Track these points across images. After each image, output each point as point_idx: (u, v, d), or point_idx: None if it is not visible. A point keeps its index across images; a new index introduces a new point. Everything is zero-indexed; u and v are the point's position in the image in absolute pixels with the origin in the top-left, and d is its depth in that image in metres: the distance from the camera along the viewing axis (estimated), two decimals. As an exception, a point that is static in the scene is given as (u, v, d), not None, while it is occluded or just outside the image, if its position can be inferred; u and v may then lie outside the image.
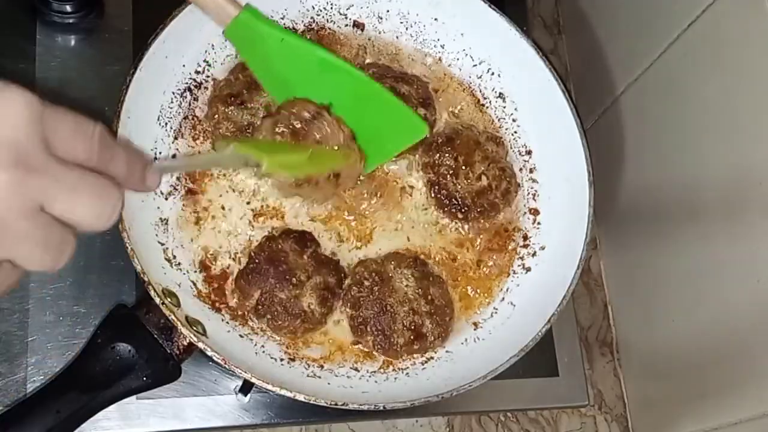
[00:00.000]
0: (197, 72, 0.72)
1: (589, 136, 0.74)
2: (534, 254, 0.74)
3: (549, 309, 0.68)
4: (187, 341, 0.62)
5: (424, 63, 0.79)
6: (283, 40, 0.65)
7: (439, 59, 0.79)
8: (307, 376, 0.66)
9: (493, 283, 0.74)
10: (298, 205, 0.71)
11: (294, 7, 0.76)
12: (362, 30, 0.78)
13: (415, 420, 0.79)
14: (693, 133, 0.70)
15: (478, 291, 0.73)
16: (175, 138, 0.70)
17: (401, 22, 0.78)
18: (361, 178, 0.72)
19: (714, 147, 0.67)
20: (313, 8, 0.77)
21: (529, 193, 0.77)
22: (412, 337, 0.68)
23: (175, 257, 0.66)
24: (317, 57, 0.67)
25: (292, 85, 0.67)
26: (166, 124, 0.70)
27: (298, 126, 0.64)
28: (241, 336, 0.66)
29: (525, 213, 0.76)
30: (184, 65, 0.71)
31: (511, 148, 0.78)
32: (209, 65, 0.73)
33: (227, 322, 0.66)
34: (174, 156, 0.68)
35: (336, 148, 0.66)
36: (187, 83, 0.71)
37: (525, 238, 0.75)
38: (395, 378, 0.68)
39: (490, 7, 0.75)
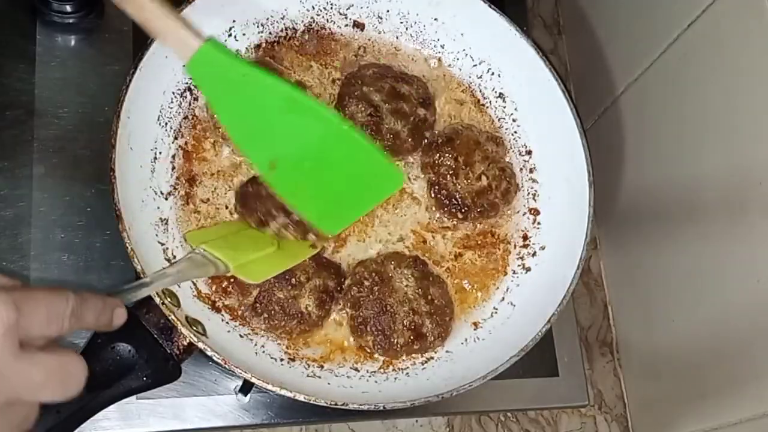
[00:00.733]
0: (197, 72, 0.72)
1: (589, 136, 0.74)
2: (534, 254, 0.74)
3: (549, 309, 0.68)
4: (187, 341, 0.62)
5: (424, 63, 0.79)
6: (246, 74, 0.59)
7: (439, 59, 0.79)
8: (307, 376, 0.66)
9: (491, 282, 0.74)
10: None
11: (294, 7, 0.76)
12: (362, 30, 0.78)
13: (415, 420, 0.79)
14: (693, 133, 0.70)
15: (476, 287, 0.73)
16: (175, 138, 0.70)
17: (401, 22, 0.78)
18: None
19: (714, 147, 0.67)
20: (313, 8, 0.77)
21: (529, 193, 0.77)
22: (412, 337, 0.68)
23: (175, 257, 0.66)
24: (283, 94, 0.59)
25: (256, 130, 0.61)
26: (166, 124, 0.70)
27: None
28: (241, 336, 0.66)
29: (525, 213, 0.77)
30: (184, 65, 0.71)
31: (511, 148, 0.78)
32: (209, 65, 0.73)
33: (227, 322, 0.66)
34: (138, 278, 0.59)
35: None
36: (187, 83, 0.71)
37: (525, 238, 0.75)
38: (395, 378, 0.68)
39: (490, 7, 0.75)
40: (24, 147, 0.74)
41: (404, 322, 0.68)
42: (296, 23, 0.76)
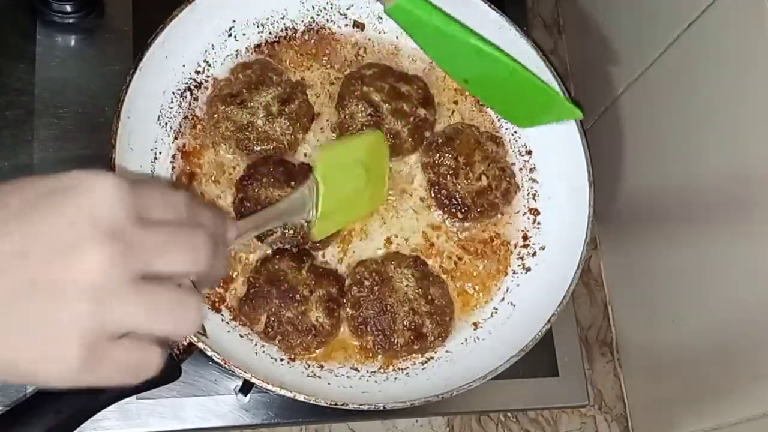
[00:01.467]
0: (197, 72, 0.72)
1: (589, 136, 0.74)
2: (534, 254, 0.74)
3: (549, 309, 0.68)
4: (187, 341, 0.62)
5: (424, 63, 0.79)
6: (437, 27, 0.69)
7: (439, 59, 0.79)
8: (307, 376, 0.66)
9: (491, 282, 0.74)
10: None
11: (294, 7, 0.76)
12: (362, 30, 0.78)
13: (415, 420, 0.79)
14: (693, 133, 0.70)
15: (476, 287, 0.73)
16: (175, 138, 0.70)
17: (401, 22, 0.78)
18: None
19: (714, 147, 0.67)
20: (313, 8, 0.77)
21: (529, 193, 0.77)
22: (412, 337, 0.68)
23: (175, 257, 0.66)
24: (471, 46, 0.70)
25: (452, 58, 0.74)
26: (166, 124, 0.70)
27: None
28: (241, 336, 0.66)
29: (525, 213, 0.77)
30: (184, 65, 0.71)
31: (511, 148, 0.78)
32: (209, 65, 0.73)
33: (227, 322, 0.66)
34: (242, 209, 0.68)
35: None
36: (187, 83, 0.71)
37: (525, 238, 0.75)
38: (395, 378, 0.68)
39: (490, 7, 0.75)
40: (24, 147, 0.74)
41: (404, 322, 0.68)
42: (296, 23, 0.76)
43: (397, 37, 0.79)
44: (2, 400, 0.68)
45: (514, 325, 0.71)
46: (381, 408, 0.62)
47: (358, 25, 0.78)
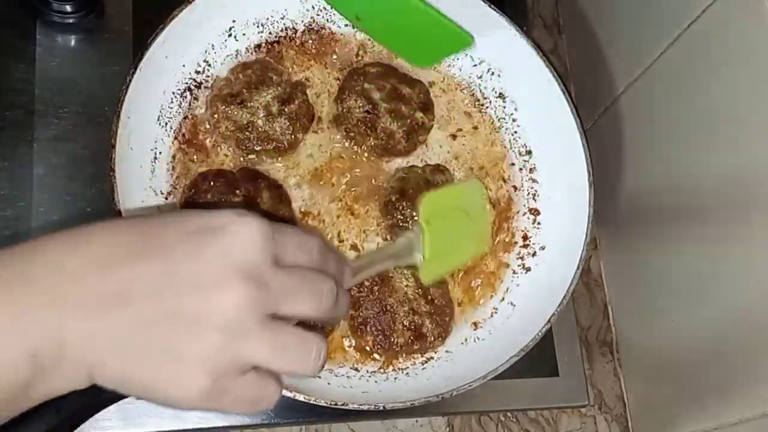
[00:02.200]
0: (197, 72, 0.72)
1: (589, 136, 0.74)
2: (534, 254, 0.74)
3: (549, 309, 0.68)
4: (187, 341, 0.62)
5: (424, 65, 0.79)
6: None
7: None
8: (307, 376, 0.66)
9: (491, 282, 0.74)
10: (297, 205, 0.71)
11: (294, 7, 0.76)
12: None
13: (415, 420, 0.79)
14: (693, 133, 0.70)
15: (476, 287, 0.73)
16: (175, 138, 0.70)
17: (401, 22, 0.78)
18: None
19: (714, 147, 0.67)
20: (313, 8, 0.77)
21: (529, 193, 0.77)
22: (412, 337, 0.68)
23: (175, 257, 0.66)
24: None
25: None
26: (166, 124, 0.70)
27: None
28: (241, 336, 0.66)
29: (525, 213, 0.77)
30: (184, 65, 0.71)
31: (511, 148, 0.78)
32: (209, 65, 0.73)
33: (227, 322, 0.66)
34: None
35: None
36: (187, 83, 0.71)
37: (525, 238, 0.75)
38: (395, 378, 0.68)
39: (490, 6, 0.75)
40: (24, 147, 0.74)
41: (404, 322, 0.68)
42: (296, 23, 0.76)
43: (397, 37, 0.79)
44: (2, 400, 0.68)
45: (514, 325, 0.71)
46: (381, 408, 0.62)
47: (358, 25, 0.78)
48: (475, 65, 0.79)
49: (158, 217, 0.40)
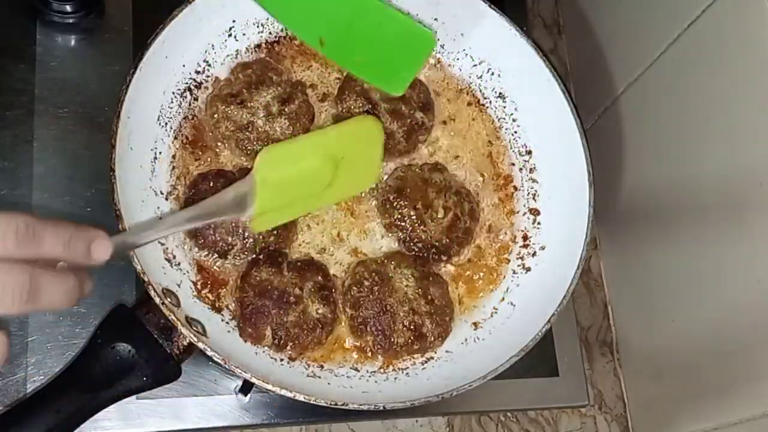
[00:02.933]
0: (197, 72, 0.72)
1: (589, 136, 0.74)
2: (534, 254, 0.74)
3: (549, 309, 0.68)
4: (187, 341, 0.62)
5: (425, 66, 0.79)
6: None
7: (439, 60, 0.79)
8: (307, 376, 0.66)
9: (491, 282, 0.74)
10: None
11: (294, 7, 0.76)
12: (362, 30, 0.78)
13: (415, 420, 0.79)
14: (693, 133, 0.70)
15: (476, 287, 0.73)
16: (175, 138, 0.70)
17: (401, 22, 0.78)
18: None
19: (714, 147, 0.67)
20: (313, 8, 0.77)
21: (529, 193, 0.77)
22: (412, 337, 0.68)
23: (174, 257, 0.66)
24: None
25: (302, 15, 0.71)
26: (166, 124, 0.70)
27: None
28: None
29: (525, 213, 0.77)
30: (184, 65, 0.71)
31: (511, 148, 0.78)
32: (209, 65, 0.73)
33: (227, 322, 0.66)
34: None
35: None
36: (187, 83, 0.71)
37: (525, 238, 0.75)
38: (395, 378, 0.68)
39: (490, 7, 0.75)
40: (24, 147, 0.74)
41: (404, 322, 0.68)
42: (296, 23, 0.76)
43: (397, 37, 0.78)
44: (2, 400, 0.68)
45: (514, 325, 0.71)
46: (381, 408, 0.62)
47: (358, 25, 0.78)
48: (475, 65, 0.79)
49: None
